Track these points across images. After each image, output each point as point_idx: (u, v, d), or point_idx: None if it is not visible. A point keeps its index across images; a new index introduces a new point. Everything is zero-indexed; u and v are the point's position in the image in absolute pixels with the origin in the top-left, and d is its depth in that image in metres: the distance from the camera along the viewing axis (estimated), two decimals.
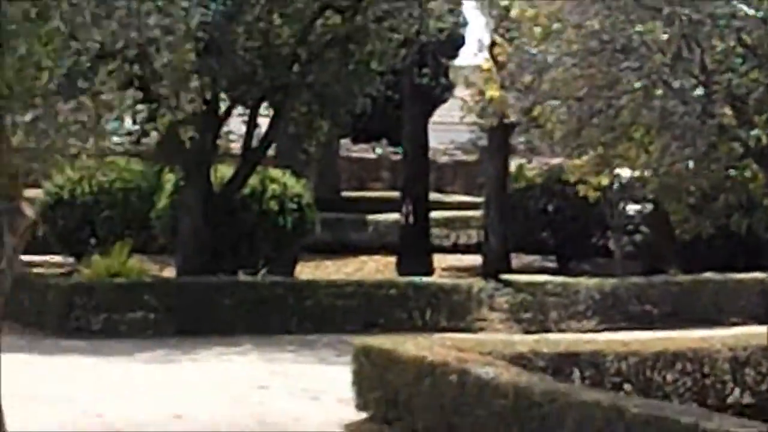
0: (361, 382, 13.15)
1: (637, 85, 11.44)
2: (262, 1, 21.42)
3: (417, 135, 32.47)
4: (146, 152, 25.46)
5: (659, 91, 11.49)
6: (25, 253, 12.74)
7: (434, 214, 32.73)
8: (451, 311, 22.97)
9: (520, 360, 12.79)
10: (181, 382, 16.04)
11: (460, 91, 32.79)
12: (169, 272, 26.71)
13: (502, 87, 15.82)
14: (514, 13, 13.85)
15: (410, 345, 12.99)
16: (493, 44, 18.49)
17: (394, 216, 32.98)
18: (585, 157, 15.32)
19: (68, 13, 6.61)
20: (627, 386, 13.75)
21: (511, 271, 28.16)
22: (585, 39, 12.07)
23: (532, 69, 12.93)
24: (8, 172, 5.32)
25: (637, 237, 32.69)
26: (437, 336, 15.94)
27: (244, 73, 21.40)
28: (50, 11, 6.11)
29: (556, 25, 12.36)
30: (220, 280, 22.86)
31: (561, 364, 13.44)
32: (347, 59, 23.23)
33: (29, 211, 5.40)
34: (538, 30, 12.76)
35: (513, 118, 17.02)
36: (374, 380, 12.93)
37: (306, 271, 29.40)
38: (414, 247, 30.85)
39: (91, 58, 9.22)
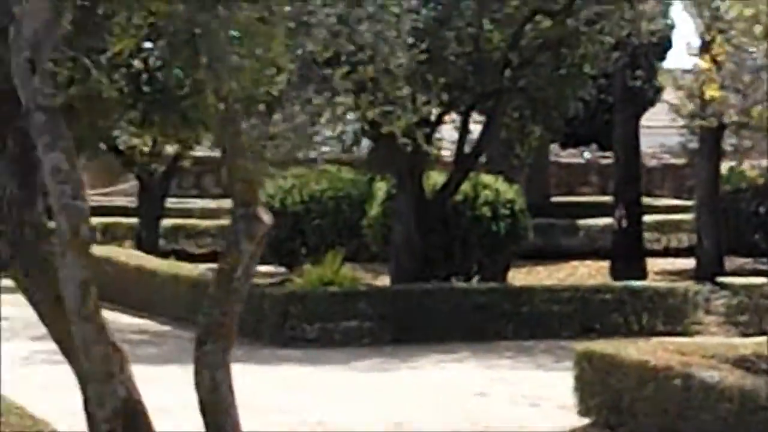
0: (583, 387, 13.04)
1: None
2: (472, 6, 21.56)
3: (628, 138, 31.84)
4: (357, 160, 26.46)
5: None
6: None
7: (646, 218, 31.97)
8: (667, 315, 22.18)
9: (743, 363, 12.52)
10: (400, 390, 16.04)
11: (668, 94, 32.17)
12: (382, 280, 26.56)
13: (722, 87, 15.77)
14: (731, 12, 13.82)
15: (632, 349, 12.91)
16: (709, 44, 18.13)
17: (605, 221, 32.48)
18: None
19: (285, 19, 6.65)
20: None
21: (724, 274, 27.36)
22: None
23: (751, 69, 13.04)
24: (244, 178, 5.67)
25: None
26: (656, 340, 15.57)
27: (455, 78, 21.35)
28: (273, 16, 6.12)
29: None
30: (434, 287, 22.49)
31: None
32: (559, 63, 23.09)
33: (266, 217, 5.65)
34: (758, 29, 12.42)
35: (732, 119, 17.07)
36: (596, 385, 12.89)
37: (518, 277, 28.56)
38: (628, 252, 29.99)
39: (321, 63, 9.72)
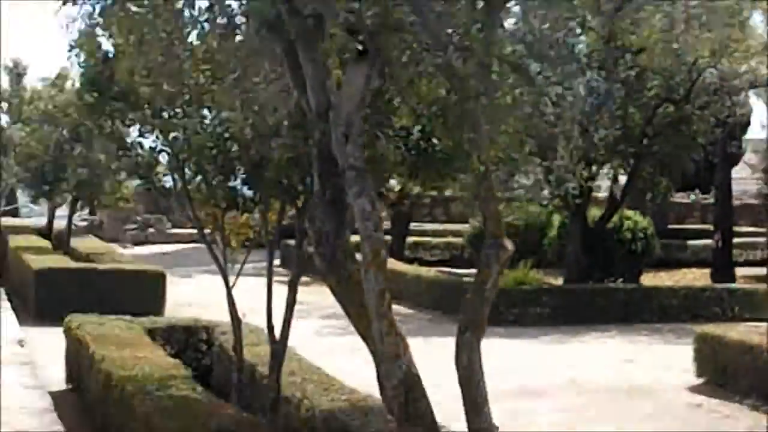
0: (700, 357, 19.46)
1: None
2: (620, 95, 28.59)
3: (724, 185, 42.47)
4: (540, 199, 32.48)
5: None
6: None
7: (734, 240, 41.73)
8: (752, 307, 29.60)
9: None
10: (572, 357, 22.86)
11: (748, 156, 49.54)
12: (557, 281, 34.36)
13: None
14: None
15: (733, 332, 19.77)
16: None
17: (705, 241, 43.29)
18: None
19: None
20: None
21: None
22: None
23: None
24: (494, 218, 7.09)
25: None
26: (746, 324, 22.96)
27: (607, 144, 29.95)
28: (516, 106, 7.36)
29: None
30: (593, 286, 31.98)
31: None
32: (680, 135, 32.67)
33: (509, 246, 6.97)
34: None
35: None
36: (709, 356, 19.22)
37: (648, 279, 37.77)
38: (722, 263, 40.16)
39: None
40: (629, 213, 35.97)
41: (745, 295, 31.59)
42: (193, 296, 25.99)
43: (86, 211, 39.61)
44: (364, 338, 7.25)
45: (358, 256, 7.17)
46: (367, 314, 6.90)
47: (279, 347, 11.79)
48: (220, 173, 11.17)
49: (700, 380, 19.03)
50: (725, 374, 18.47)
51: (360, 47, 6.41)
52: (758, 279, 36.09)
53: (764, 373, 16.86)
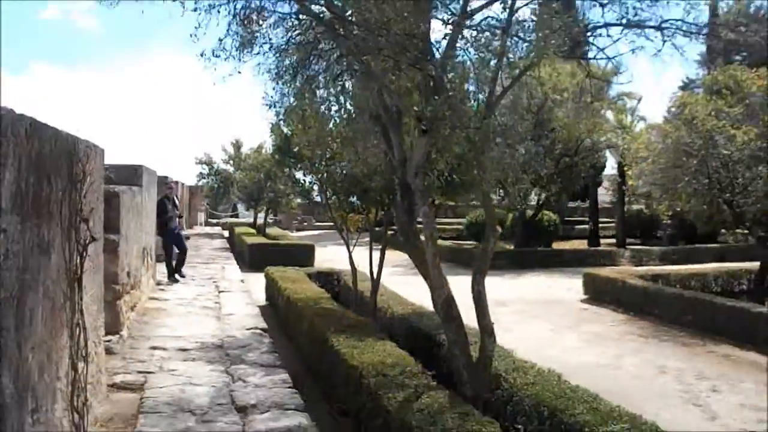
0: None
1: None
2: (542, 152, 24.32)
3: (593, 196, 35.44)
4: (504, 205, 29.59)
5: None
6: None
7: None
8: None
9: None
10: (522, 284, 18.45)
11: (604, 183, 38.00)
12: (510, 246, 29.87)
13: None
14: None
15: None
16: None
17: None
18: None
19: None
20: None
21: None
22: None
23: None
24: (491, 214, 7.38)
25: None
26: None
27: (536, 177, 24.81)
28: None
29: None
30: (528, 249, 28.54)
31: None
32: (572, 173, 28.30)
33: (498, 229, 6.94)
34: None
35: None
36: None
37: (555, 245, 32.67)
38: None
39: None
40: (547, 212, 33.39)
41: (603, 252, 29.82)
42: (327, 256, 26.24)
43: (272, 214, 39.77)
44: (424, 277, 7.23)
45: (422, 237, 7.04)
46: (424, 265, 6.93)
47: (376, 282, 11.86)
48: (346, 195, 11.35)
49: (586, 296, 19.01)
50: (598, 293, 18.61)
51: (424, 128, 6.40)
52: (610, 245, 33.83)
53: (619, 293, 17.59)
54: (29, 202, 4.47)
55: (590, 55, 8.20)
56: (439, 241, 31.24)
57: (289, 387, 7.83)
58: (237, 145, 37.50)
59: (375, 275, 11.89)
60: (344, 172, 10.99)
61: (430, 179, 7.46)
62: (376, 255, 12.16)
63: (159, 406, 7.04)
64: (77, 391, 5.86)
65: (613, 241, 35.29)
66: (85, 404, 6.02)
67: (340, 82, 6.87)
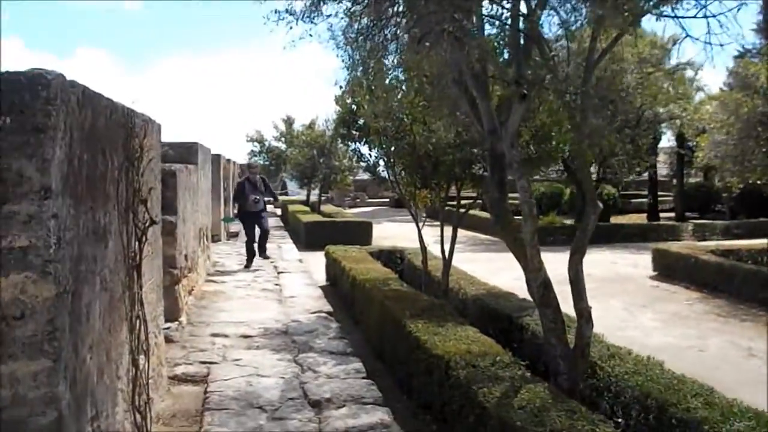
0: None
1: None
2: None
3: (652, 170, 32.77)
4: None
5: None
6: None
7: None
8: None
9: None
10: (587, 260, 17.19)
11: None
12: (570, 221, 27.61)
13: None
14: None
15: None
16: None
17: None
18: None
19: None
20: None
21: None
22: None
23: None
24: (590, 188, 6.40)
25: None
26: None
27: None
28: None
29: None
30: None
31: None
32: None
33: (600, 205, 6.18)
34: None
35: None
36: None
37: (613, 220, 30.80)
38: None
39: None
40: (606, 185, 32.09)
41: (664, 227, 28.36)
42: (383, 233, 25.80)
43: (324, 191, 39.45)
44: (517, 258, 6.55)
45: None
46: (517, 244, 6.30)
47: (448, 262, 11.23)
48: (416, 169, 10.69)
49: (655, 273, 18.24)
50: (669, 270, 17.85)
51: (524, 93, 5.68)
52: (669, 219, 32.58)
53: (691, 270, 16.78)
54: (83, 182, 3.94)
55: (684, 13, 7.30)
56: (487, 215, 30.38)
57: (364, 377, 7.29)
58: (289, 122, 37.18)
59: (447, 254, 11.22)
60: (414, 145, 10.24)
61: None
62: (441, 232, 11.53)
63: (225, 401, 6.54)
64: (139, 389, 5.40)
65: (672, 215, 34.30)
66: (147, 403, 5.55)
67: (424, 44, 6.12)
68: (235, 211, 16.81)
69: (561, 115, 9.70)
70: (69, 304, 3.64)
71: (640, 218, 34.13)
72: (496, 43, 6.18)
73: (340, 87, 11.05)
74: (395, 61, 8.05)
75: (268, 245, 16.48)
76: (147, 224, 5.51)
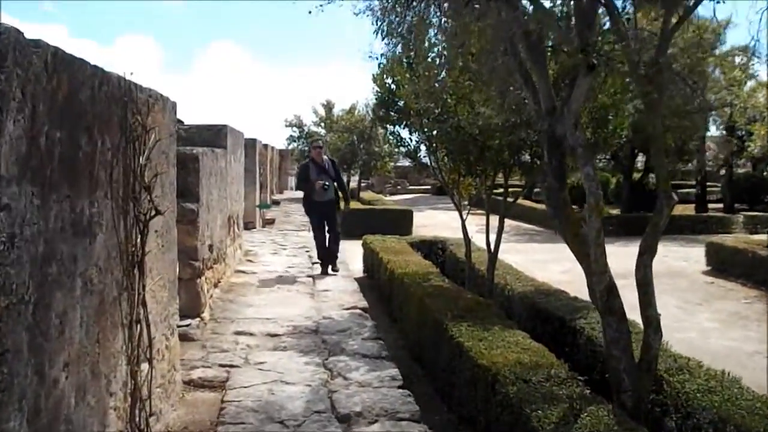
0: None
1: None
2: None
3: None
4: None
5: None
6: None
7: None
8: None
9: None
10: (635, 252, 16.17)
11: None
12: (616, 212, 27.68)
13: None
14: None
15: None
16: None
17: None
18: None
19: None
20: None
21: None
22: None
23: None
24: (664, 177, 5.61)
25: None
26: None
27: None
28: None
29: None
30: (636, 215, 25.02)
31: None
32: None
33: (675, 197, 5.50)
34: None
35: None
36: None
37: None
38: None
39: None
40: (652, 174, 29.37)
41: (714, 218, 27.37)
42: (424, 221, 25.09)
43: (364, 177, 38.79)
44: (577, 257, 5.69)
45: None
46: (578, 241, 5.47)
47: (493, 256, 10.38)
48: (460, 154, 9.83)
49: (708, 268, 17.42)
50: (724, 265, 16.94)
51: (593, 63, 4.81)
52: (717, 210, 31.32)
53: (749, 266, 15.91)
54: (55, 165, 3.23)
55: None
56: (540, 205, 29.17)
57: (400, 386, 6.53)
58: (328, 107, 36.59)
59: (493, 247, 10.38)
60: (458, 128, 9.36)
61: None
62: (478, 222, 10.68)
63: (242, 413, 5.84)
64: (140, 404, 4.72)
65: (720, 206, 33.07)
66: (149, 418, 4.87)
67: (472, 8, 5.29)
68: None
69: (621, 96, 8.83)
70: (29, 317, 2.95)
71: (687, 209, 32.69)
72: (555, 8, 5.30)
73: (379, 64, 10.20)
74: (438, 35, 7.24)
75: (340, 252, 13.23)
76: (151, 215, 4.82)
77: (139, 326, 4.76)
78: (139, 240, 4.75)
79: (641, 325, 5.86)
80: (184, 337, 7.85)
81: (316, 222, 12.48)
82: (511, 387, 5.17)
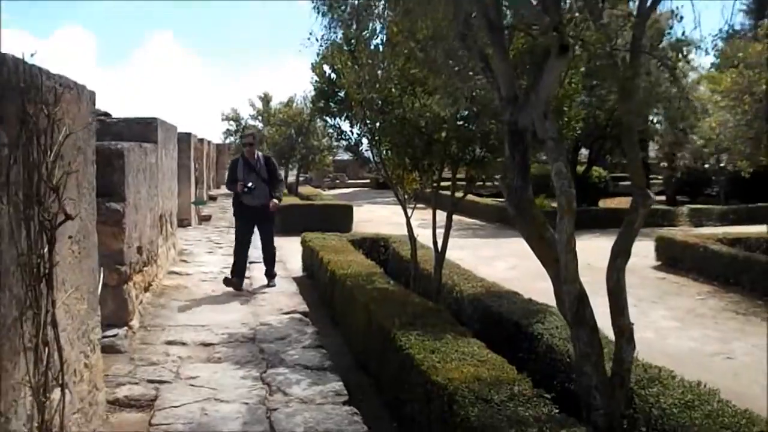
0: None
1: None
2: None
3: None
4: None
5: None
6: None
7: None
8: None
9: None
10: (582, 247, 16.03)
11: None
12: None
13: None
14: None
15: None
16: None
17: None
18: None
19: None
20: None
21: None
22: None
23: None
24: (638, 172, 5.24)
25: None
26: None
27: None
28: None
29: None
30: (580, 208, 22.56)
31: None
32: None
33: (652, 195, 5.13)
34: None
35: None
36: None
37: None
38: None
39: None
40: (596, 168, 31.41)
41: (659, 211, 26.31)
42: (364, 216, 24.53)
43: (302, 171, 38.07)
44: (542, 261, 5.15)
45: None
46: (545, 245, 4.95)
47: (440, 255, 9.88)
48: (405, 148, 9.26)
49: (659, 263, 17.13)
50: (674, 260, 16.73)
51: (564, 45, 4.29)
52: (660, 203, 30.05)
53: (700, 260, 15.75)
54: None
55: None
56: (483, 200, 28.72)
57: (345, 401, 5.99)
58: (266, 100, 35.76)
59: (441, 245, 9.88)
60: (404, 119, 8.78)
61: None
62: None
63: None
64: None
65: (662, 198, 33.11)
66: None
67: None
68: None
69: (575, 86, 8.42)
70: None
71: (629, 202, 33.00)
72: None
73: (317, 50, 9.52)
74: (383, 20, 6.69)
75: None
76: (59, 220, 4.16)
77: (47, 349, 4.10)
78: (46, 249, 4.08)
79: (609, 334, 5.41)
80: (111, 349, 7.22)
81: (241, 230, 10.95)
82: (471, 409, 4.64)
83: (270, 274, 11.04)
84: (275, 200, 10.72)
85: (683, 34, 4.54)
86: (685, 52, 4.55)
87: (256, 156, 10.80)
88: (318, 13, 6.23)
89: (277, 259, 11.58)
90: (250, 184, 10.46)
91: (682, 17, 4.40)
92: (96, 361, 5.65)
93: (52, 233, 4.07)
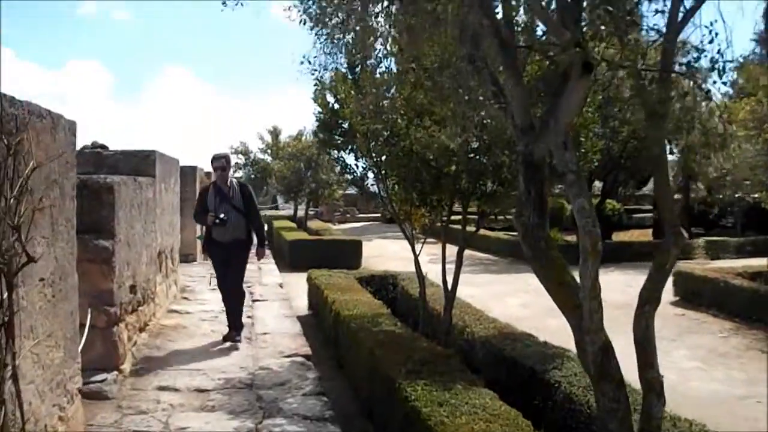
0: None
1: None
2: None
3: None
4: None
5: None
6: None
7: None
8: None
9: None
10: None
11: None
12: (572, 238, 26.21)
13: None
14: None
15: None
16: None
17: None
18: None
19: None
20: None
21: None
22: None
23: None
24: (671, 209, 4.86)
25: None
26: None
27: None
28: None
29: None
30: None
31: None
32: None
33: (685, 234, 4.63)
34: None
35: None
36: None
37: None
38: None
39: None
40: (610, 200, 30.49)
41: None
42: (374, 251, 24.03)
43: (312, 205, 37.80)
44: (561, 308, 4.63)
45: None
46: (565, 291, 4.44)
47: (451, 295, 9.37)
48: (413, 183, 8.80)
49: (676, 298, 16.38)
50: (693, 295, 16.06)
51: (587, 63, 3.84)
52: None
53: (720, 296, 15.16)
54: None
55: None
56: (494, 233, 28.17)
57: None
58: (275, 133, 35.63)
59: (451, 285, 9.37)
60: (410, 152, 8.32)
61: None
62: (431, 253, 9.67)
63: None
64: None
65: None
66: None
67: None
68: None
69: (592, 116, 7.96)
70: None
71: (644, 234, 32.36)
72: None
73: (316, 78, 8.74)
74: (387, 45, 6.27)
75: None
76: (20, 263, 3.73)
77: (3, 407, 3.64)
78: (5, 297, 3.64)
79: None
80: (98, 396, 6.75)
81: (220, 272, 9.32)
82: None
83: (235, 326, 9.32)
84: (261, 249, 9.16)
85: (719, 52, 4.00)
86: (723, 70, 4.03)
87: (229, 183, 9.06)
88: (303, 24, 5.82)
89: (282, 297, 11.06)
90: (222, 216, 8.75)
91: (717, 33, 3.90)
92: (74, 413, 5.18)
93: (9, 278, 3.63)
